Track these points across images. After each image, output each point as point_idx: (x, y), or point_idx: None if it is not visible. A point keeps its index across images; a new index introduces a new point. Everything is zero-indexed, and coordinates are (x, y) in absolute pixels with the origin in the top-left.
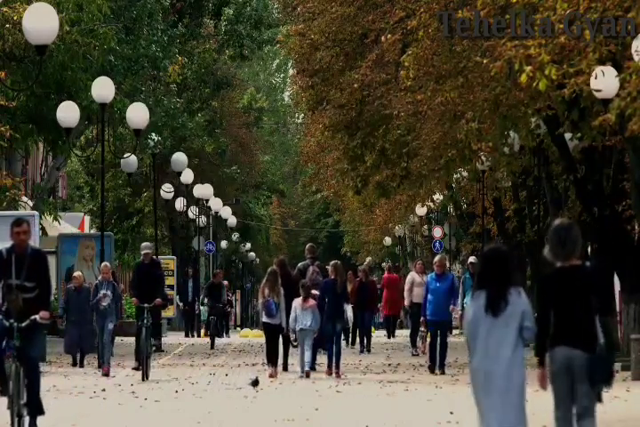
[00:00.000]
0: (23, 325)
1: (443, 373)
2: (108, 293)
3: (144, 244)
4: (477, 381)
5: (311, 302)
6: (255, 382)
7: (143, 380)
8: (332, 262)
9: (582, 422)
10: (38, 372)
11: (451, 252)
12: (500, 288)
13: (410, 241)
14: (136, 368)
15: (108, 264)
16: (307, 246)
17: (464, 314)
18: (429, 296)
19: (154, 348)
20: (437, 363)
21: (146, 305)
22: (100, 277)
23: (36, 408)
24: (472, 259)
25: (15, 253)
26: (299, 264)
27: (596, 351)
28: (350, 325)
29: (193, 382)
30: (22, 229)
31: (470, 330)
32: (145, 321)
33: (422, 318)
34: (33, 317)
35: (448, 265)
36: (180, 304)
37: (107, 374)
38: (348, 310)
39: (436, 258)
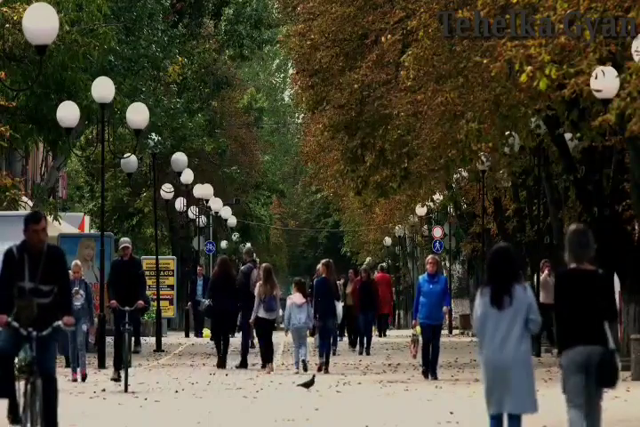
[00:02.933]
0: (44, 333)
1: (435, 378)
2: (81, 291)
3: (122, 238)
4: (488, 371)
5: (304, 299)
6: (309, 383)
7: (126, 391)
8: (324, 261)
9: (590, 417)
10: (56, 386)
11: (451, 252)
12: (504, 283)
13: (410, 241)
14: (115, 379)
15: (78, 262)
16: (244, 250)
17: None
18: (422, 299)
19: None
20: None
21: (126, 308)
22: (71, 277)
23: None
24: None
25: (29, 252)
26: (242, 267)
27: (606, 353)
28: (339, 321)
29: (193, 382)
30: (41, 227)
31: (479, 324)
32: (126, 326)
33: (414, 321)
34: (56, 323)
35: (448, 265)
36: (189, 304)
37: (83, 379)
38: (339, 307)
39: (429, 256)
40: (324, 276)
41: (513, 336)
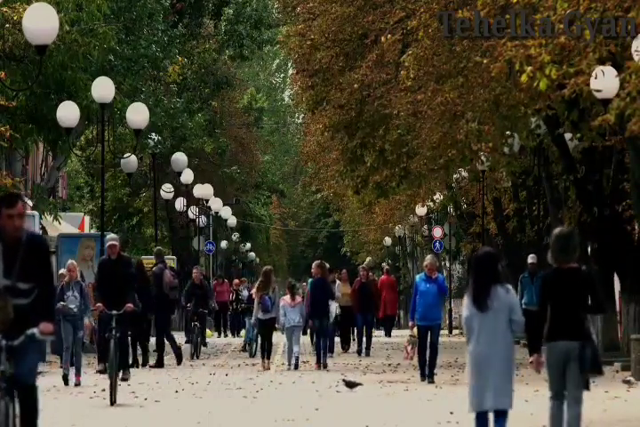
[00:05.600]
0: (16, 343)
1: (432, 382)
2: (75, 294)
3: (110, 235)
4: (473, 366)
5: (298, 299)
6: (352, 384)
7: (111, 404)
8: (317, 262)
9: (571, 408)
10: (35, 396)
11: (451, 252)
12: (484, 286)
13: (410, 241)
14: (101, 371)
15: (74, 262)
16: (155, 251)
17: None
18: (418, 299)
19: (122, 380)
20: (427, 371)
21: (114, 312)
22: (66, 278)
23: None
24: (531, 259)
25: (3, 242)
26: (154, 268)
27: (586, 344)
28: (331, 320)
29: (193, 382)
30: (17, 212)
31: (466, 323)
32: (113, 332)
33: (411, 323)
34: (29, 331)
35: (448, 265)
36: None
37: (78, 384)
38: (333, 306)
39: (427, 261)
40: (319, 276)
41: (496, 336)
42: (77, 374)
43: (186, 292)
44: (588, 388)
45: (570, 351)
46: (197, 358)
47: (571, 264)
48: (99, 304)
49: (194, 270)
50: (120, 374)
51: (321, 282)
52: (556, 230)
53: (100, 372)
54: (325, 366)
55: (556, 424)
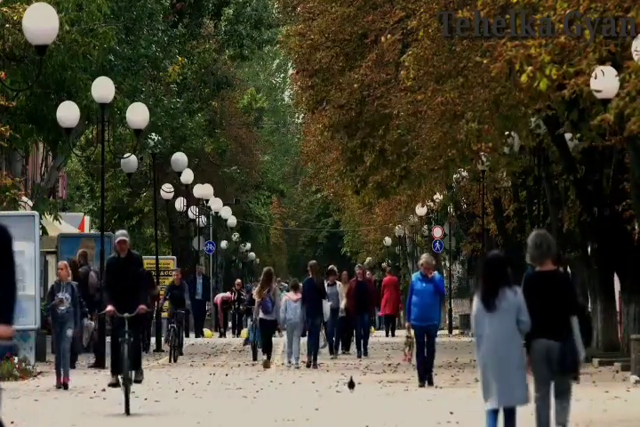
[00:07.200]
0: None
1: (430, 383)
2: (66, 295)
3: (119, 231)
4: (483, 364)
5: (298, 296)
6: (351, 384)
7: (128, 414)
8: (310, 263)
9: (560, 400)
10: None
11: (451, 252)
12: (492, 287)
13: (410, 241)
14: (114, 384)
15: (65, 262)
16: (79, 253)
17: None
18: (414, 298)
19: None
20: (425, 374)
21: (126, 315)
22: (56, 278)
23: None
24: None
25: None
26: (79, 269)
27: (566, 344)
28: (326, 319)
29: (193, 382)
30: None
31: (475, 323)
32: (125, 336)
33: (407, 323)
34: None
35: (448, 265)
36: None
37: (66, 386)
38: (326, 306)
39: (423, 260)
40: (310, 276)
41: (504, 335)
42: (65, 375)
43: (165, 293)
44: (577, 381)
45: (551, 349)
46: (175, 361)
47: (549, 266)
48: (110, 308)
49: (174, 272)
50: (133, 376)
51: (311, 282)
52: (532, 232)
53: (113, 385)
54: (315, 366)
55: (541, 422)
